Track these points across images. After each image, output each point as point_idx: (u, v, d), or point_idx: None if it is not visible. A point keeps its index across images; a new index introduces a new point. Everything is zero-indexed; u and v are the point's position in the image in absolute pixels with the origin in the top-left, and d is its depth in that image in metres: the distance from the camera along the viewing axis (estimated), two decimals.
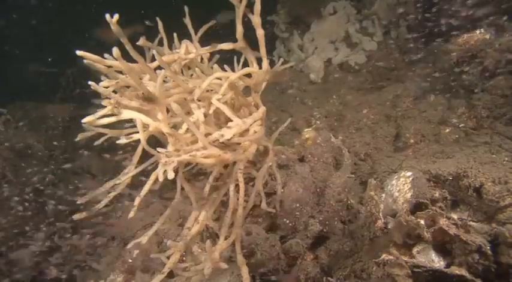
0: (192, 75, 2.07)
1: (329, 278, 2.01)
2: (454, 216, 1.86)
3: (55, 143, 4.22)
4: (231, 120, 1.79)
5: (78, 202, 1.81)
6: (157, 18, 1.99)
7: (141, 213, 2.78)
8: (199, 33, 2.01)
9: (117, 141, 1.69)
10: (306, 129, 2.72)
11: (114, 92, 1.74)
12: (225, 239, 1.82)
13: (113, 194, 1.83)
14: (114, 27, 1.41)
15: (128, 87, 1.81)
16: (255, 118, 1.88)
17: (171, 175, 1.51)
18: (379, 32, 4.52)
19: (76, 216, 1.82)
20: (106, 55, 1.66)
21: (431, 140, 2.96)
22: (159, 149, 1.59)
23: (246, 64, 2.04)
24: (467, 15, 2.97)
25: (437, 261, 1.68)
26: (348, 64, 4.51)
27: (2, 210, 3.20)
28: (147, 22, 2.52)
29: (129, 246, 1.92)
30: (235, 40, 1.89)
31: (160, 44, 2.00)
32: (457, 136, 2.87)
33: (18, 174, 3.58)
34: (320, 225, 2.22)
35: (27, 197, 3.39)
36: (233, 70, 2.13)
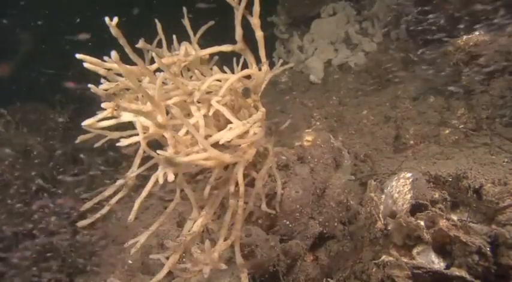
0: (191, 77, 2.07)
1: (329, 280, 2.01)
2: (454, 217, 1.85)
3: (55, 144, 4.22)
4: (231, 122, 1.79)
5: (81, 209, 1.81)
6: (156, 20, 1.99)
7: (141, 215, 2.79)
8: (198, 35, 2.01)
9: (117, 144, 1.68)
10: (306, 131, 2.72)
11: (114, 94, 1.74)
12: (225, 240, 1.82)
13: (116, 198, 1.83)
14: (114, 30, 1.41)
15: (128, 89, 1.81)
16: (255, 120, 1.89)
17: (171, 177, 1.51)
18: (378, 33, 4.52)
19: (80, 223, 1.81)
20: (105, 58, 1.67)
21: (431, 141, 2.97)
22: (159, 151, 1.59)
23: (245, 65, 2.04)
24: (466, 16, 2.98)
25: (437, 263, 1.68)
26: (348, 65, 4.51)
27: (2, 211, 3.20)
28: None
29: (125, 245, 1.92)
30: (234, 42, 1.90)
31: (159, 45, 2.00)
32: (456, 137, 2.87)
33: (18, 175, 3.58)
34: (320, 226, 2.22)
35: (27, 198, 3.38)
36: (232, 71, 2.14)
